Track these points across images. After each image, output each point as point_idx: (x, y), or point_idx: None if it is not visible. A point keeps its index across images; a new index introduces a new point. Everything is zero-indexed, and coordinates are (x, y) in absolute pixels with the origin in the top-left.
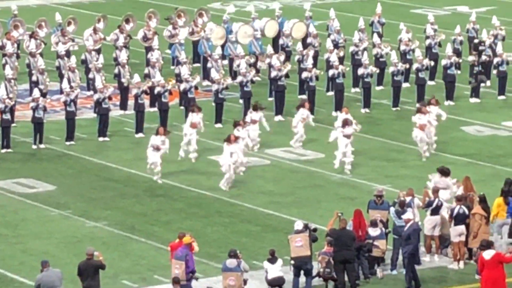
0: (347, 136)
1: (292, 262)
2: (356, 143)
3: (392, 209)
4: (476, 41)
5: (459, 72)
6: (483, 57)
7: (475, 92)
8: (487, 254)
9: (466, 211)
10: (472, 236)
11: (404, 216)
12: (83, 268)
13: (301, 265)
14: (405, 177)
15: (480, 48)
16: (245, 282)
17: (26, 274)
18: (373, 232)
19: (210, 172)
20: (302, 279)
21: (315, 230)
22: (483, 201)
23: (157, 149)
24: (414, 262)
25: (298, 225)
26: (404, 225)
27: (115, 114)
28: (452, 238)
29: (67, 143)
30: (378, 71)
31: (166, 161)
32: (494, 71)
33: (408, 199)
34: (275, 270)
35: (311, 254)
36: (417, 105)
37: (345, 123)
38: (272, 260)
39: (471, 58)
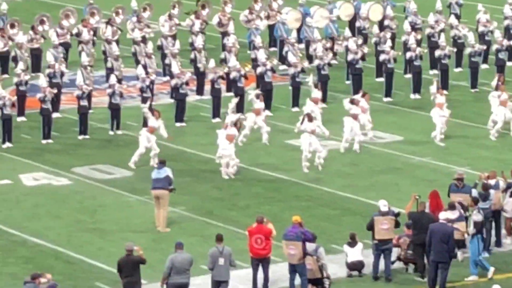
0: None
1: (376, 242)
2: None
3: (474, 191)
4: None
5: None
6: None
7: None
8: None
9: None
10: None
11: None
12: (123, 264)
13: (383, 247)
14: (485, 158)
15: None
16: (324, 267)
17: (104, 260)
18: (451, 215)
19: (287, 156)
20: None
21: (398, 214)
22: None
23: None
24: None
25: (384, 205)
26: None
27: (191, 99)
28: None
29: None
30: (455, 50)
31: (242, 146)
32: None
33: (492, 181)
34: (355, 253)
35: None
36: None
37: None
38: (352, 243)
39: None
